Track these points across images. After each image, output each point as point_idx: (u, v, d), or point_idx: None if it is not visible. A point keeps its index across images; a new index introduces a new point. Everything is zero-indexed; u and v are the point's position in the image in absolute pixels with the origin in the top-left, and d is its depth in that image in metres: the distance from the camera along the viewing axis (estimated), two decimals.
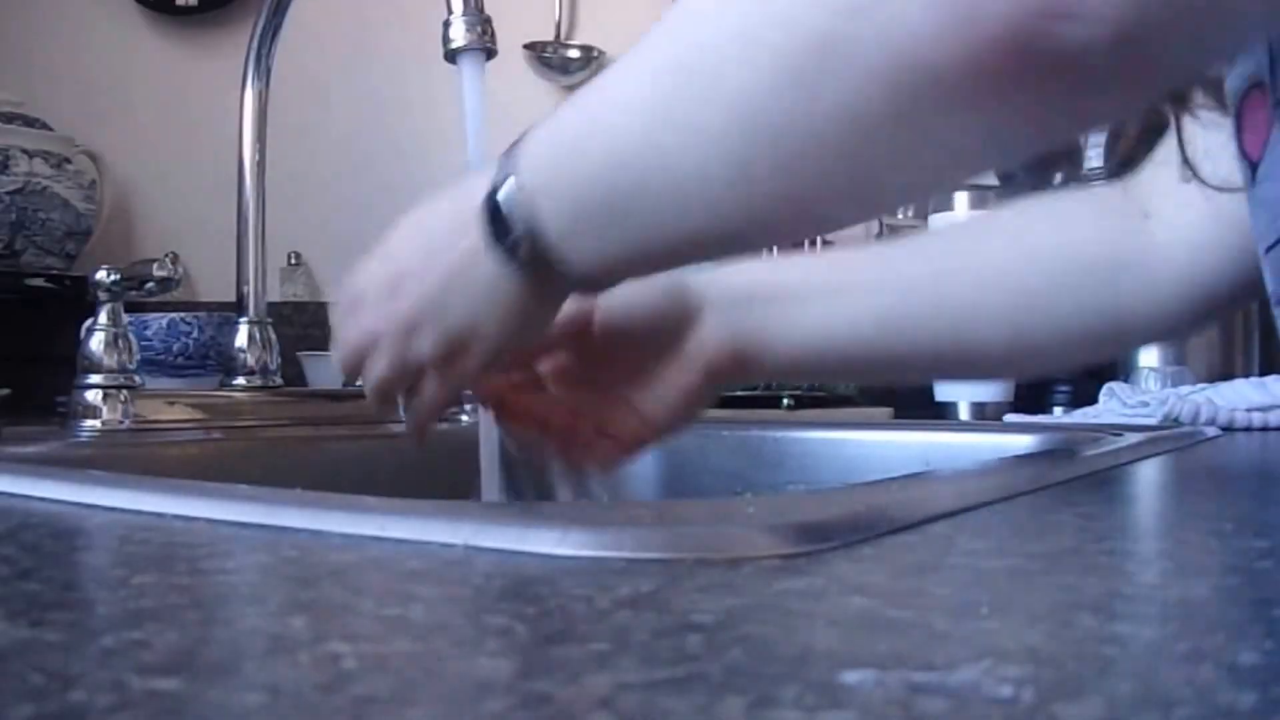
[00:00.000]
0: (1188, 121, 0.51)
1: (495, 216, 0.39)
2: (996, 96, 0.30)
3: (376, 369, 0.45)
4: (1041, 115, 0.31)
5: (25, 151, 1.35)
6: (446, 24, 0.64)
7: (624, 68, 0.37)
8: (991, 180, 1.27)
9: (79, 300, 0.81)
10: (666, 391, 0.52)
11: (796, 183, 0.34)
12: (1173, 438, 0.73)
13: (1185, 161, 0.51)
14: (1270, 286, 0.47)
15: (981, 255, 0.56)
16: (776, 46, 0.32)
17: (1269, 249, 0.46)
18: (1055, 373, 1.16)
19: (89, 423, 0.76)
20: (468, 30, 0.64)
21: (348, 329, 0.46)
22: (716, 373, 0.52)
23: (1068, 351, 0.57)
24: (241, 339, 0.89)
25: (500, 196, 0.39)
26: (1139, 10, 0.27)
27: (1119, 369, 1.26)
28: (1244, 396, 0.95)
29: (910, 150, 0.33)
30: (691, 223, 0.36)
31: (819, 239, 1.19)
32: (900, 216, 1.36)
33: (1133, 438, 0.66)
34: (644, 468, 0.98)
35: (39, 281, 1.32)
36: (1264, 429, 0.93)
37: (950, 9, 0.28)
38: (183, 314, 1.10)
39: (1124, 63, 0.28)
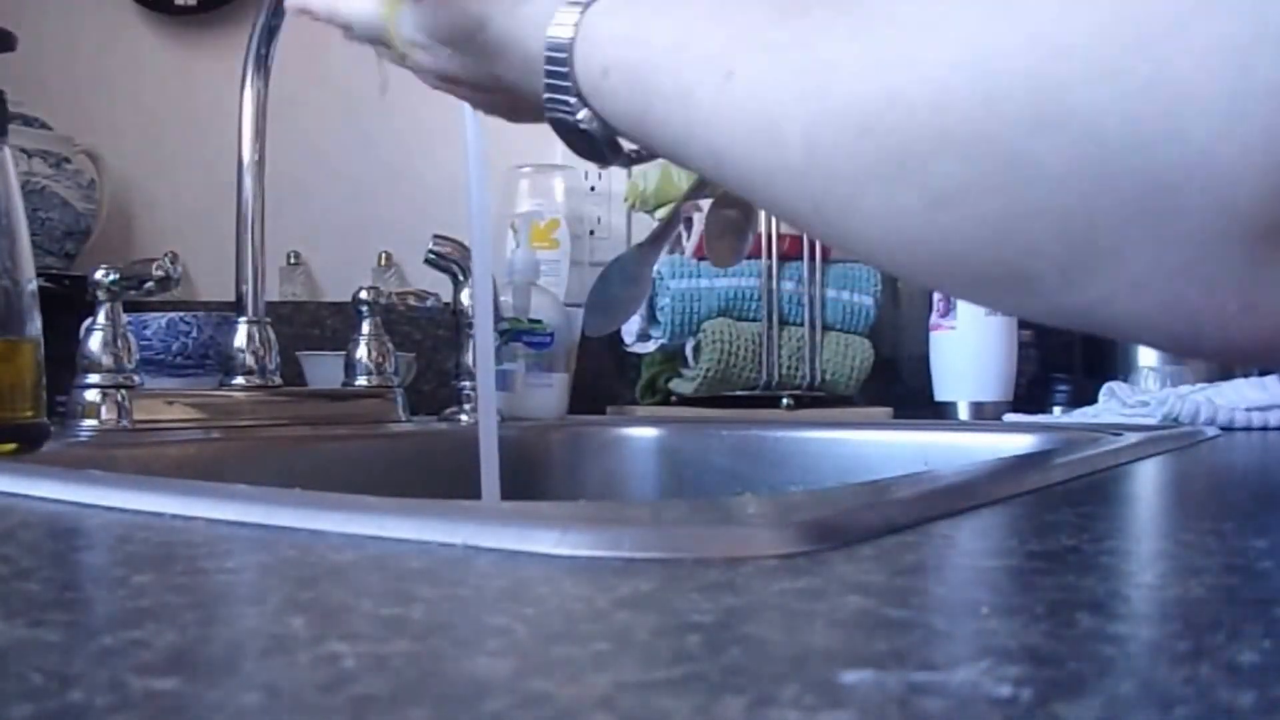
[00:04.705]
0: None
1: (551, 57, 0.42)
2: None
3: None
4: None
5: (24, 151, 1.35)
6: None
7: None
8: None
9: (78, 300, 0.81)
10: None
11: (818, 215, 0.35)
12: (1173, 438, 0.73)
13: None
14: None
15: None
16: (890, 127, 0.30)
17: None
18: None
19: (88, 422, 0.76)
20: None
21: None
22: None
23: None
24: (240, 339, 0.89)
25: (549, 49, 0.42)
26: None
27: (1119, 368, 1.26)
28: (1244, 396, 0.95)
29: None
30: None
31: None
32: None
33: (1133, 438, 0.66)
34: (644, 468, 0.98)
35: (38, 281, 1.33)
36: (1264, 429, 0.93)
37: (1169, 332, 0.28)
38: (182, 313, 1.10)
39: None
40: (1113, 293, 0.28)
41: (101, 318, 0.77)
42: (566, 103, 0.42)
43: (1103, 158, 0.26)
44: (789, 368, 1.19)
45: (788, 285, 1.19)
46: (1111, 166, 0.26)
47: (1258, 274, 0.26)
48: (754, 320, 1.19)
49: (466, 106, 0.62)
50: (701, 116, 0.36)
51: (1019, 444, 0.81)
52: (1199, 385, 1.03)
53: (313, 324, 1.48)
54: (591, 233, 1.45)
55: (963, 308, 1.18)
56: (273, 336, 0.90)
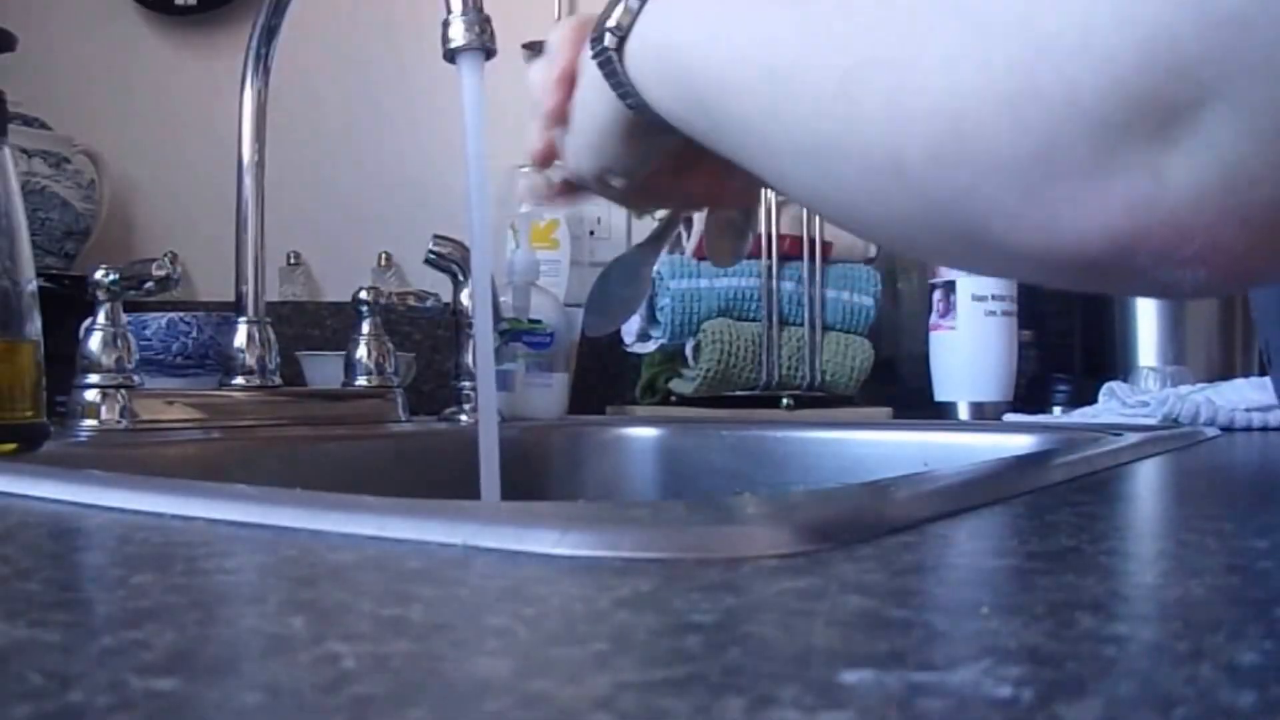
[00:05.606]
0: None
1: (607, 68, 0.45)
2: (1068, 275, 0.31)
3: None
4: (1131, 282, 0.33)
5: (24, 151, 1.35)
6: (446, 24, 0.64)
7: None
8: None
9: (78, 300, 0.81)
10: None
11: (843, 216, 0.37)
12: (1172, 438, 0.73)
13: None
14: None
15: None
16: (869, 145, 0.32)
17: None
18: None
19: (88, 422, 0.76)
20: (467, 30, 0.64)
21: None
22: None
23: None
24: (240, 339, 0.89)
25: (608, 54, 0.45)
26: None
27: (1119, 368, 1.26)
28: (1244, 396, 0.95)
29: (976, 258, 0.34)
30: (752, 164, 0.40)
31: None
32: None
33: (1133, 438, 0.66)
34: (644, 468, 0.98)
35: (38, 281, 1.33)
36: (1264, 429, 0.93)
37: (1030, 221, 0.29)
38: (181, 314, 1.10)
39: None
40: (975, 178, 0.29)
41: (101, 318, 0.77)
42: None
43: (973, 36, 0.28)
44: (789, 368, 1.19)
45: (788, 285, 1.20)
46: (978, 46, 0.28)
47: (1106, 163, 0.27)
48: (754, 320, 1.19)
49: (468, 107, 0.62)
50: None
51: (1019, 444, 0.81)
52: (1199, 385, 1.03)
53: (313, 324, 1.48)
54: (591, 233, 1.45)
55: (962, 308, 1.18)
56: (273, 336, 0.90)
